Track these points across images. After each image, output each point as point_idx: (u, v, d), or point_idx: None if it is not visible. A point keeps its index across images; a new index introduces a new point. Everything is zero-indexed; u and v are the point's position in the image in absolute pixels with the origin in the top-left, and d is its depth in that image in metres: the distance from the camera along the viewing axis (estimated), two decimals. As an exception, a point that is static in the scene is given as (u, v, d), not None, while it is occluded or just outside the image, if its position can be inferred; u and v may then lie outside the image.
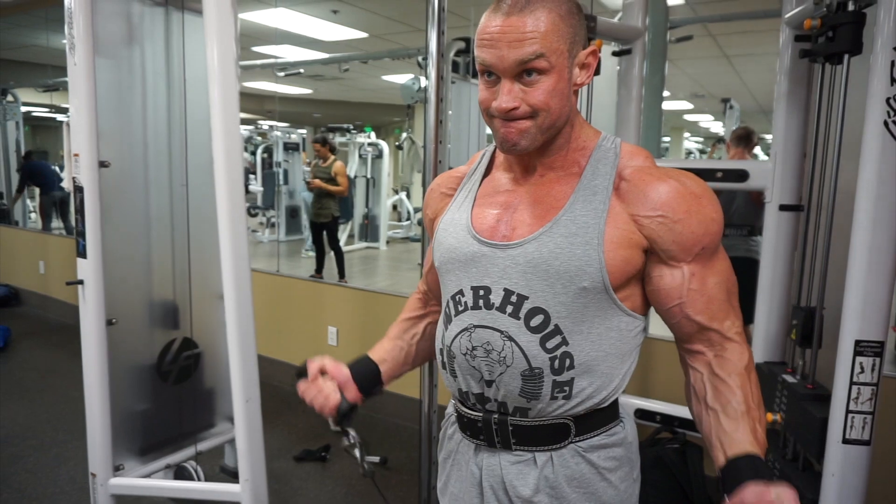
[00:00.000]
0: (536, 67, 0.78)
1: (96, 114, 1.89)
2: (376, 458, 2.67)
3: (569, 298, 0.82)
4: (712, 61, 5.87)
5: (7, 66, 7.01)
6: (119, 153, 2.01)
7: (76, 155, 1.91)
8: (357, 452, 1.00)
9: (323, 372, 1.00)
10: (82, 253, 1.95)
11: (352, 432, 1.00)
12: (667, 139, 12.42)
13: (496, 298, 0.85)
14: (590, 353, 0.84)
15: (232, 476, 2.44)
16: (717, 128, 11.61)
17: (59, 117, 10.31)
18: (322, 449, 2.71)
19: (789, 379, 1.69)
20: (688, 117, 11.10)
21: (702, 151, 13.36)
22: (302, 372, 1.00)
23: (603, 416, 0.88)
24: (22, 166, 6.47)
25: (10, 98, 6.53)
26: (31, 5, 4.23)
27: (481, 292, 0.86)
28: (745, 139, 3.28)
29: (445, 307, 0.92)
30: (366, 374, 1.02)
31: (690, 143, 13.50)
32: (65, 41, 1.84)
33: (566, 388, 0.84)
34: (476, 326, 0.86)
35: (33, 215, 7.47)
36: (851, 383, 1.40)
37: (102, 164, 1.93)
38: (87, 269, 1.94)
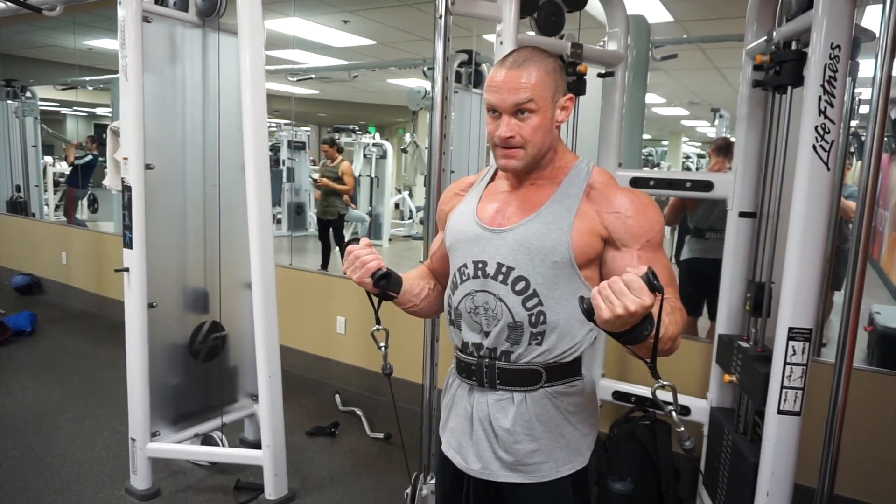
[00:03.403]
0: (527, 108, 1.08)
1: (144, 123, 2.16)
2: (381, 435, 2.94)
3: (544, 269, 1.10)
4: (704, 72, 6.12)
5: (29, 63, 7.28)
6: (161, 157, 2.28)
7: (125, 158, 2.18)
8: (383, 348, 1.29)
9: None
10: (128, 244, 2.22)
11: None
12: (665, 143, 12.68)
13: (491, 269, 1.13)
14: (559, 313, 1.11)
15: (251, 447, 2.71)
16: (713, 133, 11.86)
17: (64, 111, 10.82)
18: (331, 425, 2.98)
19: (744, 345, 1.98)
20: (685, 122, 11.36)
21: (699, 156, 13.60)
22: (352, 241, 1.23)
23: (567, 370, 1.16)
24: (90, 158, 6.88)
25: (28, 95, 6.79)
26: (85, 8, 4.40)
27: (480, 265, 1.15)
28: (724, 149, 3.53)
29: (453, 277, 1.21)
30: (394, 276, 1.23)
31: (689, 147, 13.74)
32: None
33: (539, 338, 1.12)
34: (476, 291, 1.15)
35: (46, 208, 7.70)
36: (785, 363, 1.67)
37: (148, 167, 2.20)
38: (133, 258, 2.21)
